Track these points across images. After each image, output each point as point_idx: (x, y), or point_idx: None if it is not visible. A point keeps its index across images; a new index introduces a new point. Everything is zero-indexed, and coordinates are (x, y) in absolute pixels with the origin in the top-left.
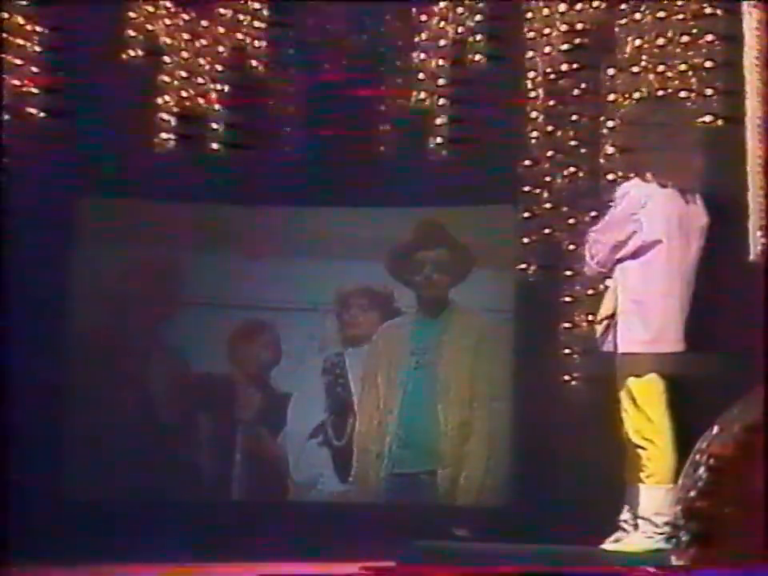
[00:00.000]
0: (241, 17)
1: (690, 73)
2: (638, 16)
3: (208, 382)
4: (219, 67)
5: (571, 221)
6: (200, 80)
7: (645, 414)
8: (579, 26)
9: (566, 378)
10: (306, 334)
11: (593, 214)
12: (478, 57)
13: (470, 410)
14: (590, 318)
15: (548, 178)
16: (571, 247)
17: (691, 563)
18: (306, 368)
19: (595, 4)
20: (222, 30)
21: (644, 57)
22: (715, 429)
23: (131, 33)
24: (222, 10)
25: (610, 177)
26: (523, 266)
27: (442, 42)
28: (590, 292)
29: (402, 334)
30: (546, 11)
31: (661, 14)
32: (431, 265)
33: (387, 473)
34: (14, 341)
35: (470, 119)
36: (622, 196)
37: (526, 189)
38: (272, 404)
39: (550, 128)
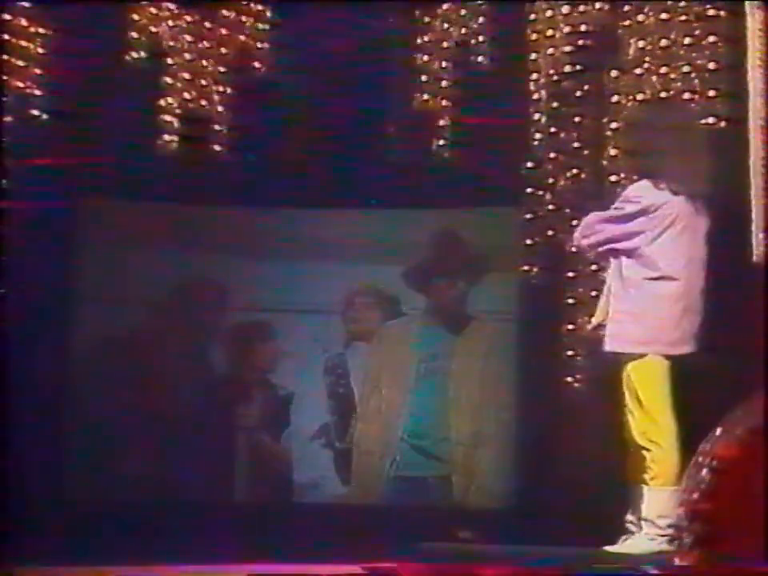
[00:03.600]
0: (244, 18)
1: (693, 74)
2: (640, 17)
3: (211, 383)
4: (222, 69)
5: (574, 223)
6: (203, 82)
7: (650, 415)
8: (582, 28)
9: (569, 379)
10: (309, 335)
11: None
12: (480, 59)
13: (480, 416)
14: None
15: (551, 180)
16: (574, 249)
17: (694, 565)
18: (310, 369)
19: (598, 5)
20: (225, 31)
21: (647, 58)
22: (718, 431)
23: (134, 34)
24: (225, 12)
25: (613, 179)
26: (526, 268)
27: (446, 44)
28: (593, 294)
29: (405, 337)
30: (549, 13)
31: (664, 16)
32: (449, 278)
33: (392, 475)
34: (15, 341)
35: (473, 121)
36: (636, 198)
37: (529, 191)
38: (275, 405)
39: (553, 129)
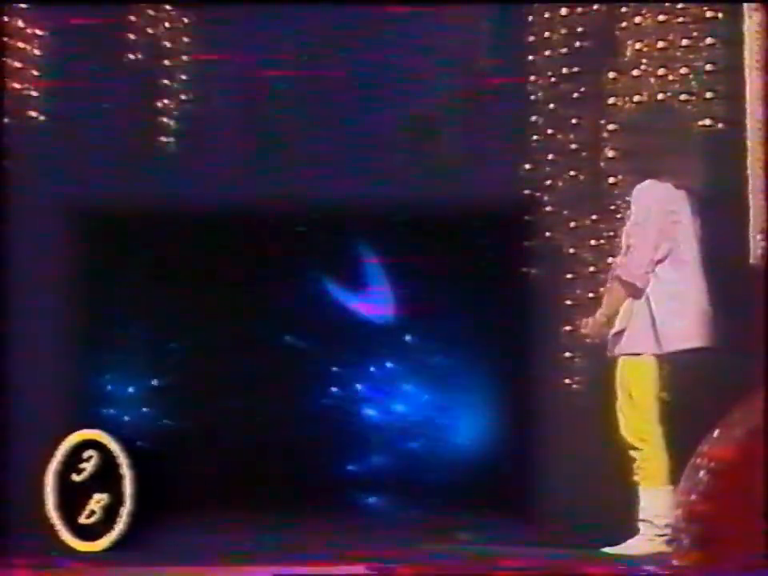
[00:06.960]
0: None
1: (691, 76)
2: (638, 19)
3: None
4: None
5: (572, 224)
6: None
7: (642, 413)
8: (580, 30)
9: (567, 381)
10: None
11: (593, 217)
12: (480, 61)
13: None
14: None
15: (549, 182)
16: (572, 251)
17: (692, 566)
18: None
19: (596, 7)
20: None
21: (644, 60)
22: (716, 432)
23: (132, 36)
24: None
25: (611, 180)
26: (524, 269)
27: (447, 46)
28: (591, 295)
29: None
30: (546, 14)
31: (661, 18)
32: None
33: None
34: (15, 341)
35: (471, 122)
36: (648, 196)
37: (527, 192)
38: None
39: (550, 131)
